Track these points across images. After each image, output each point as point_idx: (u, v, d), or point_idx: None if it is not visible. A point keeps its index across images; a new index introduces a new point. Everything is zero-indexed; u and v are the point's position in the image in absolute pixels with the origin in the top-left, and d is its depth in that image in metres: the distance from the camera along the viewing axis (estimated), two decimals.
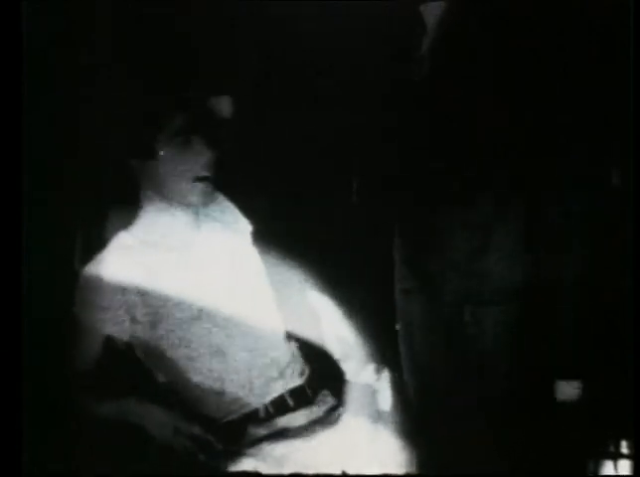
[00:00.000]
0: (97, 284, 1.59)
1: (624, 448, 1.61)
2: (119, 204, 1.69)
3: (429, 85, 1.53)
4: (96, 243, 1.66)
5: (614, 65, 1.42)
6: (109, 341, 1.61)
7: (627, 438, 1.59)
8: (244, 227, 1.75)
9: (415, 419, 1.63)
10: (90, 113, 1.69)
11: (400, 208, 1.68)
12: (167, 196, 1.62)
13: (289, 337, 1.71)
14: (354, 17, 1.71)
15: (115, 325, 1.59)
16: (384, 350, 1.72)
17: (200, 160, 1.60)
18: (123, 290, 1.59)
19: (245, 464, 1.53)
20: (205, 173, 1.61)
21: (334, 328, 1.74)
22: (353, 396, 1.68)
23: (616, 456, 1.61)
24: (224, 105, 1.76)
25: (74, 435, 1.54)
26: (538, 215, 1.48)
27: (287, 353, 1.67)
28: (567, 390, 1.52)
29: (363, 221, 1.85)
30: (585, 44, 1.43)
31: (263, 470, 1.52)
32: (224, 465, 1.53)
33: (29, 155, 1.38)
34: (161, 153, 1.59)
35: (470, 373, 1.57)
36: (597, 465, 1.61)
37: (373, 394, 1.68)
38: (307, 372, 1.69)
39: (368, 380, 1.68)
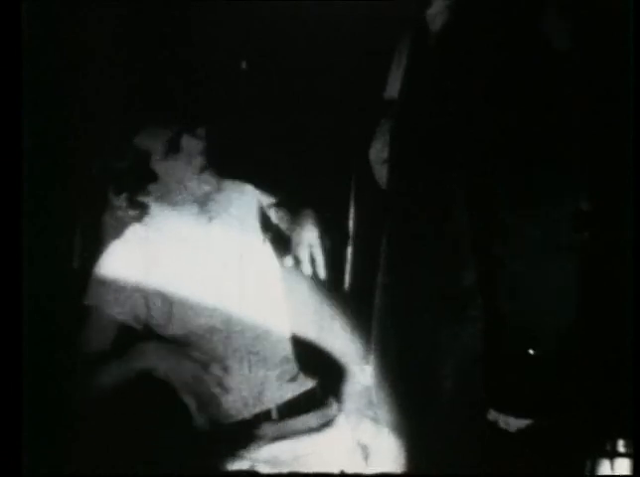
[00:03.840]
0: (112, 277, 1.59)
1: (621, 447, 1.61)
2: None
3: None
4: (95, 241, 1.66)
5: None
6: (123, 327, 1.61)
7: (624, 437, 1.60)
8: (254, 219, 1.74)
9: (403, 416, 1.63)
10: (90, 113, 1.69)
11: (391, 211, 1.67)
12: (174, 192, 1.64)
13: (301, 340, 1.70)
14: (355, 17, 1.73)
15: (131, 319, 1.60)
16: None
17: (194, 163, 1.62)
18: (138, 283, 1.59)
19: (246, 464, 1.54)
20: (199, 173, 1.63)
21: (340, 331, 1.75)
22: (352, 396, 1.68)
23: (613, 455, 1.62)
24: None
25: (74, 435, 1.54)
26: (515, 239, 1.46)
27: (300, 356, 1.68)
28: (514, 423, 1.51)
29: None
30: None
31: (263, 470, 1.53)
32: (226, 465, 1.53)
33: (29, 155, 1.38)
34: (157, 158, 1.61)
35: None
36: (595, 464, 1.62)
37: (371, 394, 1.68)
38: (318, 375, 1.69)
39: (366, 381, 1.69)
